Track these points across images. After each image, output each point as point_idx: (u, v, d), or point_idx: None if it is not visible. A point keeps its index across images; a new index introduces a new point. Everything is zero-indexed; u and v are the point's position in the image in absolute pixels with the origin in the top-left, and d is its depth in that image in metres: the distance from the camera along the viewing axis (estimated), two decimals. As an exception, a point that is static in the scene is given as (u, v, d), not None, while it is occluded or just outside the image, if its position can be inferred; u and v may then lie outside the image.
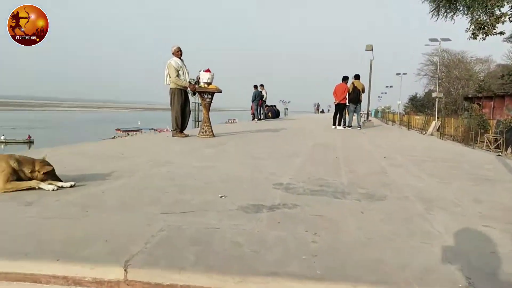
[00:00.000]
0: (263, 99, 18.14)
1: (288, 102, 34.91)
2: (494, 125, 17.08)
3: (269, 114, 21.08)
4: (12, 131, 42.57)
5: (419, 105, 54.26)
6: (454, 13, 16.88)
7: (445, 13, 17.12)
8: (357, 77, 13.21)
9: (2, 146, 35.74)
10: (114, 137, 38.85)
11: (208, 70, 7.93)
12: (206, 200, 2.67)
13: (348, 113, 13.30)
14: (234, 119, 51.54)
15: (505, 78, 32.75)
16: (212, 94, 7.81)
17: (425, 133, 19.84)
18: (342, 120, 13.20)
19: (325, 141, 7.69)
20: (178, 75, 7.49)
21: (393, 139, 10.06)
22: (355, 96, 12.82)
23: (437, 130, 21.38)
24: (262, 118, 18.23)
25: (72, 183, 2.94)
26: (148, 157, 4.67)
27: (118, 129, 41.55)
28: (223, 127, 11.85)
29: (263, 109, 18.42)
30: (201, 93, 7.74)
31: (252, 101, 17.73)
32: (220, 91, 7.89)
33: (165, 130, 40.24)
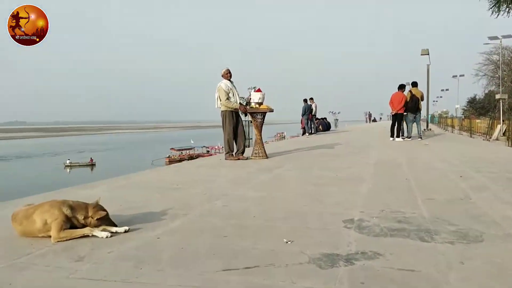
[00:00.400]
0: (313, 112, 17.71)
1: (338, 113, 34.10)
2: None
3: (320, 127, 20.56)
4: (76, 155, 45.34)
5: (479, 108, 50.80)
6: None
7: (507, 8, 15.83)
8: (414, 84, 12.42)
9: (68, 169, 38.10)
10: (169, 156, 40.18)
11: (259, 90, 7.73)
12: (271, 248, 2.34)
13: (407, 123, 12.50)
14: (282, 133, 51.44)
15: None
16: (263, 114, 7.58)
17: (490, 138, 18.22)
18: (401, 131, 12.42)
19: (387, 158, 7.13)
20: (228, 98, 7.34)
21: (460, 150, 9.20)
22: (414, 104, 12.02)
23: (503, 134, 19.61)
24: (313, 132, 17.80)
25: (127, 228, 2.75)
26: (202, 187, 4.46)
27: (172, 148, 42.87)
28: (275, 145, 11.57)
29: (313, 123, 18.00)
30: (252, 114, 7.53)
31: (302, 115, 17.38)
32: (271, 111, 7.65)
33: (216, 147, 40.95)
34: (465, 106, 53.89)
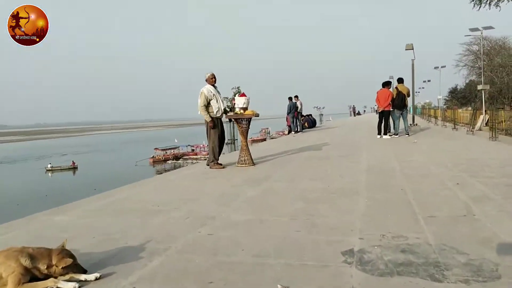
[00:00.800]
0: (298, 110, 17.46)
1: (323, 108, 33.93)
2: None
3: (306, 124, 20.35)
4: (59, 158, 44.18)
5: (460, 97, 51.50)
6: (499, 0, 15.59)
7: (488, 1, 15.83)
8: (400, 80, 12.26)
9: (50, 173, 37.03)
10: (153, 157, 39.46)
11: (243, 95, 7.41)
12: (264, 299, 2.04)
13: (394, 120, 12.34)
14: (267, 128, 51.03)
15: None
16: (249, 119, 7.26)
17: (473, 129, 18.31)
18: (388, 128, 12.26)
19: (379, 162, 6.89)
20: (209, 104, 6.99)
21: (450, 148, 9.07)
22: (400, 101, 11.87)
23: (486, 124, 19.78)
24: (299, 130, 17.55)
25: (97, 274, 2.40)
26: (185, 208, 4.12)
27: (156, 148, 42.12)
28: (261, 148, 11.24)
29: (299, 120, 17.75)
30: (237, 120, 7.20)
31: (288, 114, 17.11)
32: (257, 115, 7.33)
33: (201, 145, 40.36)
34: (447, 96, 54.61)
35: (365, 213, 3.61)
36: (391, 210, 3.64)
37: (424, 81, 53.92)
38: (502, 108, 27.94)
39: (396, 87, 12.07)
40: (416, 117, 25.65)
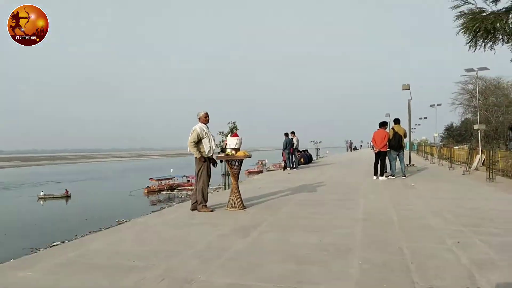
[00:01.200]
0: (294, 146, 17.27)
1: (320, 142, 33.76)
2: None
3: (302, 160, 20.11)
4: (54, 186, 43.48)
5: (456, 135, 51.76)
6: (493, 43, 15.74)
7: (483, 43, 16.02)
8: (397, 121, 12.14)
9: (42, 202, 36.25)
10: (148, 187, 38.82)
11: (235, 135, 7.20)
12: None
13: (390, 161, 12.11)
14: (264, 160, 50.62)
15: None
16: (241, 161, 7.00)
17: (469, 168, 18.09)
18: (384, 169, 12.01)
19: (376, 209, 6.57)
20: (200, 142, 6.75)
21: (448, 193, 8.76)
22: (397, 142, 11.69)
23: (482, 164, 19.60)
24: (294, 166, 17.28)
25: None
26: (164, 264, 3.77)
27: (151, 179, 41.51)
28: (254, 188, 10.90)
29: (295, 156, 17.51)
30: (229, 161, 6.94)
31: (283, 150, 16.90)
32: (249, 156, 7.08)
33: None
34: (443, 134, 54.89)
35: (359, 280, 3.27)
36: (387, 277, 3.30)
37: (420, 118, 54.29)
38: (498, 147, 27.92)
39: (393, 128, 11.93)
40: (412, 154, 25.57)
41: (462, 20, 10.35)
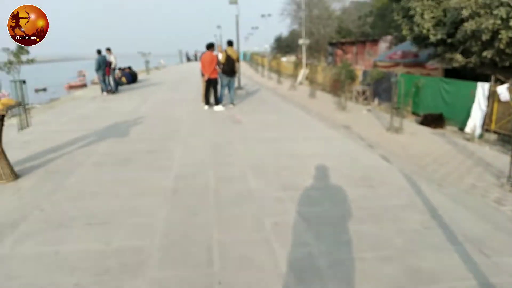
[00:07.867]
0: (112, 66, 14.59)
1: (149, 53, 30.29)
2: (361, 75, 16.79)
3: (123, 79, 17.56)
4: None
5: (285, 46, 54.85)
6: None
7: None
8: (230, 43, 10.85)
9: None
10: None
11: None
12: None
13: (221, 87, 11.05)
14: (83, 71, 42.49)
15: (362, 19, 34.13)
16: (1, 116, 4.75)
17: (295, 83, 19.04)
18: (220, 98, 10.93)
19: (190, 170, 5.45)
20: None
21: (273, 131, 8.34)
22: (230, 67, 10.57)
23: (306, 78, 20.96)
24: (113, 90, 14.76)
25: None
26: None
27: None
28: (47, 130, 8.51)
29: (113, 78, 14.82)
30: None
31: (96, 71, 14.02)
32: (12, 108, 4.85)
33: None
34: (273, 45, 57.35)
35: None
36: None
37: (253, 28, 55.17)
38: (318, 61, 30.36)
39: (225, 51, 10.66)
40: (246, 65, 25.53)
41: None
